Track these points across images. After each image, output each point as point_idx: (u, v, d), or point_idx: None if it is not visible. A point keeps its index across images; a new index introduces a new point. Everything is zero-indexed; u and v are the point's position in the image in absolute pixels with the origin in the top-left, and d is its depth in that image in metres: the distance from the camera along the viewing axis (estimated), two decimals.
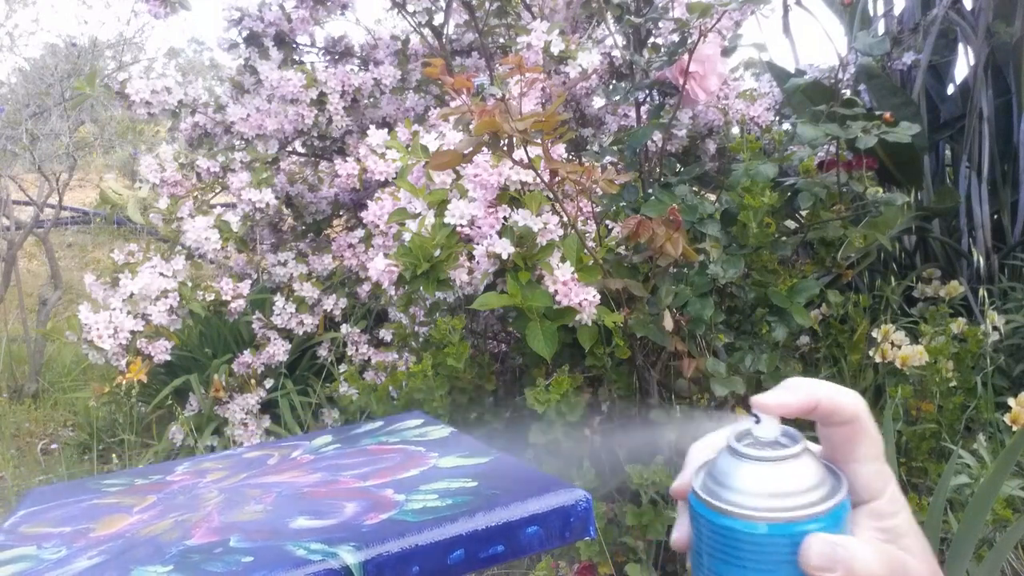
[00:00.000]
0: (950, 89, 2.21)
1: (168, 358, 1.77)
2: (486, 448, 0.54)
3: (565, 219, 1.32)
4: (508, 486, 0.45)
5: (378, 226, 1.56)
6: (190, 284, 1.78)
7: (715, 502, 0.33)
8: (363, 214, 1.60)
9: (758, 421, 0.34)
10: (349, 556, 0.39)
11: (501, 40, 2.15)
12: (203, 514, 0.48)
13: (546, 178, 1.25)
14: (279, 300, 1.96)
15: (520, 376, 1.63)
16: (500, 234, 1.30)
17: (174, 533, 0.45)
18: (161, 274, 1.75)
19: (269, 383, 1.97)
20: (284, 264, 2.06)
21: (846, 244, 1.50)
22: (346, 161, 1.77)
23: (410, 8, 1.88)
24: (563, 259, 1.31)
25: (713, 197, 1.86)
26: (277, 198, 1.98)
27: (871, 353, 1.53)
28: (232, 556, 0.41)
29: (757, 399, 0.34)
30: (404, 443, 0.58)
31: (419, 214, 1.38)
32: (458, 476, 0.48)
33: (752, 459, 0.33)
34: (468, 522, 0.42)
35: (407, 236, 1.32)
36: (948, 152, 2.24)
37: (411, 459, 0.53)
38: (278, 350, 1.95)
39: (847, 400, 0.34)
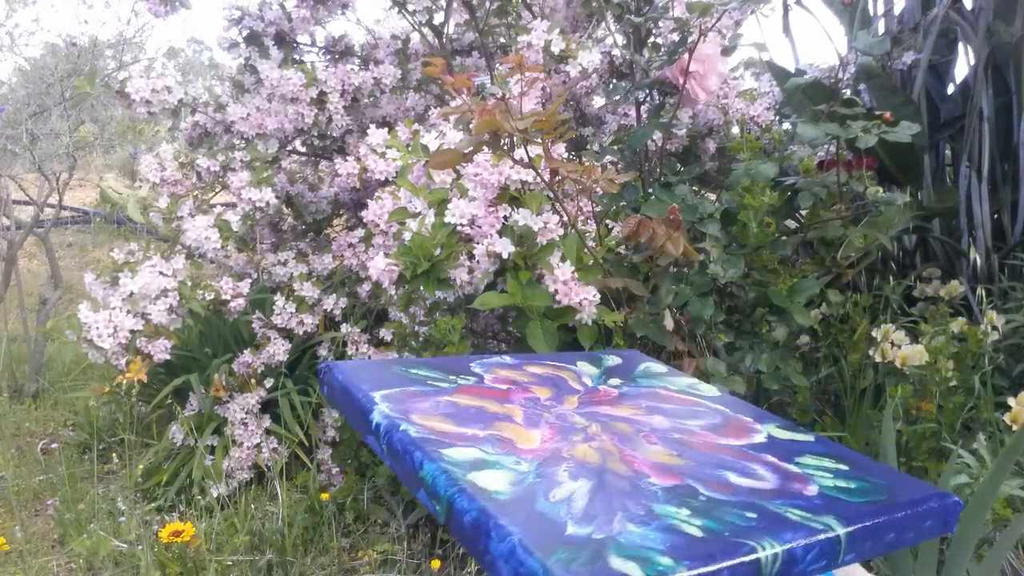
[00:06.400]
0: (950, 89, 2.21)
1: (168, 357, 1.77)
2: (781, 419, 0.60)
3: (565, 218, 1.32)
4: (883, 476, 0.50)
5: (378, 225, 1.56)
6: (190, 283, 1.78)
7: None
8: (363, 213, 1.60)
9: None
10: (839, 528, 0.43)
11: (501, 39, 2.15)
12: (613, 448, 0.51)
13: (546, 177, 1.25)
14: (279, 300, 1.96)
15: None
16: (500, 233, 1.30)
17: (621, 466, 0.48)
18: (161, 273, 1.75)
19: (269, 383, 1.97)
20: (284, 264, 2.06)
21: (846, 244, 1.50)
22: (346, 160, 1.77)
23: (410, 7, 1.88)
24: (563, 258, 1.31)
25: (713, 197, 1.86)
26: (277, 197, 1.98)
27: (871, 352, 1.53)
28: (730, 509, 0.44)
29: None
30: (690, 395, 0.64)
31: (419, 213, 1.38)
32: (817, 455, 0.53)
33: None
34: (898, 508, 0.46)
35: (407, 235, 1.32)
36: (948, 152, 2.24)
37: (734, 421, 0.59)
38: (278, 350, 1.95)
39: None
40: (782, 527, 0.42)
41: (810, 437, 0.56)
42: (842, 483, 0.48)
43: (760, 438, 0.55)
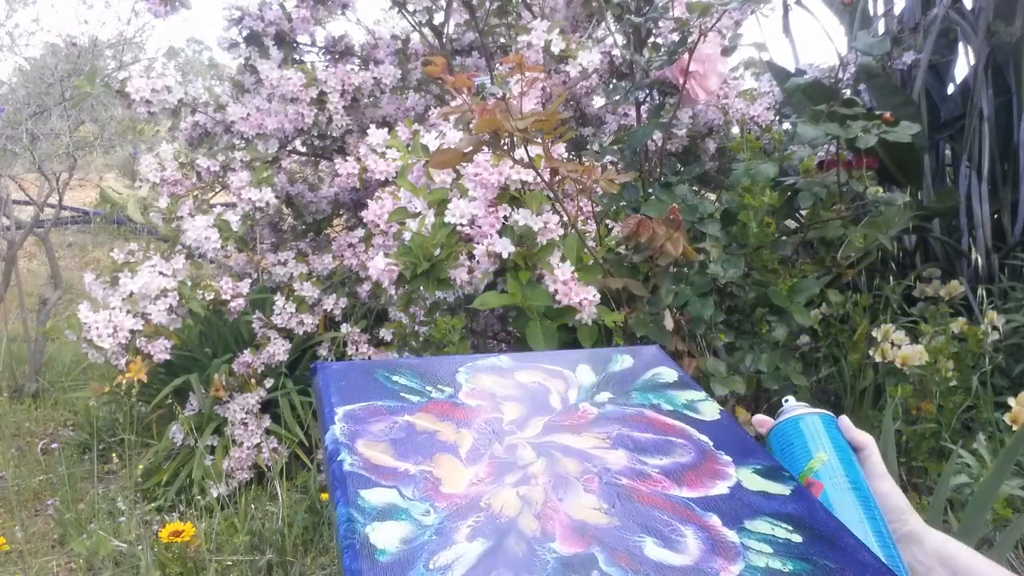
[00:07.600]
0: (950, 89, 2.21)
1: (168, 357, 1.77)
2: (769, 460, 0.54)
3: (565, 218, 1.32)
4: (838, 557, 0.45)
5: (378, 225, 1.56)
6: (190, 283, 1.78)
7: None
8: (363, 213, 1.60)
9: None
10: None
11: (501, 39, 2.15)
12: (541, 495, 0.48)
13: (546, 177, 1.25)
14: (279, 300, 1.97)
15: None
16: (500, 233, 1.30)
17: (532, 523, 0.45)
18: (161, 273, 1.75)
19: (269, 383, 1.97)
20: (284, 264, 2.06)
21: (846, 244, 1.50)
22: (346, 160, 1.77)
23: (410, 7, 1.88)
24: (563, 258, 1.31)
25: (713, 197, 1.86)
26: (277, 197, 1.98)
27: (871, 352, 1.53)
28: None
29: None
30: (680, 419, 0.58)
31: (419, 213, 1.38)
32: (776, 518, 0.48)
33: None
34: None
35: (407, 235, 1.32)
36: (948, 152, 2.24)
37: (707, 461, 0.53)
38: (278, 350, 1.95)
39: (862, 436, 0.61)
40: None
41: (786, 490, 0.50)
42: (777, 564, 0.43)
43: (723, 488, 0.50)
